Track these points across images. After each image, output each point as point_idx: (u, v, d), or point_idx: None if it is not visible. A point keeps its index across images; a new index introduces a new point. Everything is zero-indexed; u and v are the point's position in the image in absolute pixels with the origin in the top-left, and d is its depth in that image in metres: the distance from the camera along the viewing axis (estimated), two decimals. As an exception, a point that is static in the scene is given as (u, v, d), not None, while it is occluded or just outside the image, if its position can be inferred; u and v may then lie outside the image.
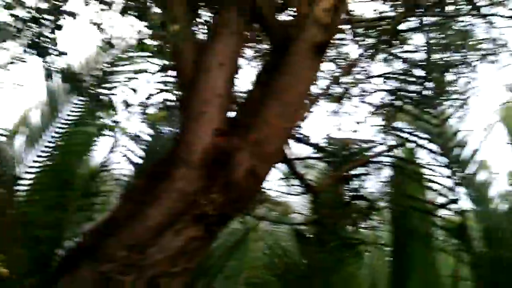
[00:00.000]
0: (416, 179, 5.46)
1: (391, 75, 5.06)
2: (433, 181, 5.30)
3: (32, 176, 4.71)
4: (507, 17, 4.61)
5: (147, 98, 4.45)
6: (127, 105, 3.72)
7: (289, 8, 3.30)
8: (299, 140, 5.44)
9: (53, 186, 4.67)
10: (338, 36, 5.25)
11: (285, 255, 5.93)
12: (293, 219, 6.96)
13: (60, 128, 5.03)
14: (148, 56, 4.76)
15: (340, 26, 3.16)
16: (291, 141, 5.61)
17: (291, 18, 3.25)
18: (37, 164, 4.78)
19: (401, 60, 4.98)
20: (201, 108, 2.59)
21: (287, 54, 2.68)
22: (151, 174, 2.69)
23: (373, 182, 6.23)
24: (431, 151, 5.27)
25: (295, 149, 6.12)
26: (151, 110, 4.51)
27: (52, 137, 5.00)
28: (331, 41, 2.74)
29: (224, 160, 2.57)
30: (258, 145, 2.61)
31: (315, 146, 5.41)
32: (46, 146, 4.91)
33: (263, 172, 2.71)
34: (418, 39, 5.04)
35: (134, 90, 3.89)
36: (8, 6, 2.80)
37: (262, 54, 5.22)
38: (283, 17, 3.43)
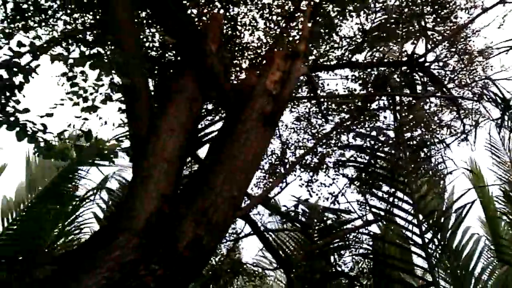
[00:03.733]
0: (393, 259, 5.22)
1: (363, 150, 5.07)
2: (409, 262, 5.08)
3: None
4: (472, 99, 4.76)
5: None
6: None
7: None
8: (273, 210, 5.33)
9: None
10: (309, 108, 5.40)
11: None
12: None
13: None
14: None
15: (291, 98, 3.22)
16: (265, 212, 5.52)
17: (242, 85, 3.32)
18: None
19: (371, 137, 5.04)
20: (148, 172, 2.53)
21: (238, 121, 2.70)
22: (92, 241, 2.56)
23: (352, 257, 5.98)
24: (407, 229, 5.11)
25: (270, 220, 5.99)
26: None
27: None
28: (281, 112, 2.78)
29: (168, 229, 2.46)
30: (204, 214, 2.51)
31: (290, 217, 5.26)
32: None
33: (210, 242, 2.57)
34: (388, 117, 5.15)
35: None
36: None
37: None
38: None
